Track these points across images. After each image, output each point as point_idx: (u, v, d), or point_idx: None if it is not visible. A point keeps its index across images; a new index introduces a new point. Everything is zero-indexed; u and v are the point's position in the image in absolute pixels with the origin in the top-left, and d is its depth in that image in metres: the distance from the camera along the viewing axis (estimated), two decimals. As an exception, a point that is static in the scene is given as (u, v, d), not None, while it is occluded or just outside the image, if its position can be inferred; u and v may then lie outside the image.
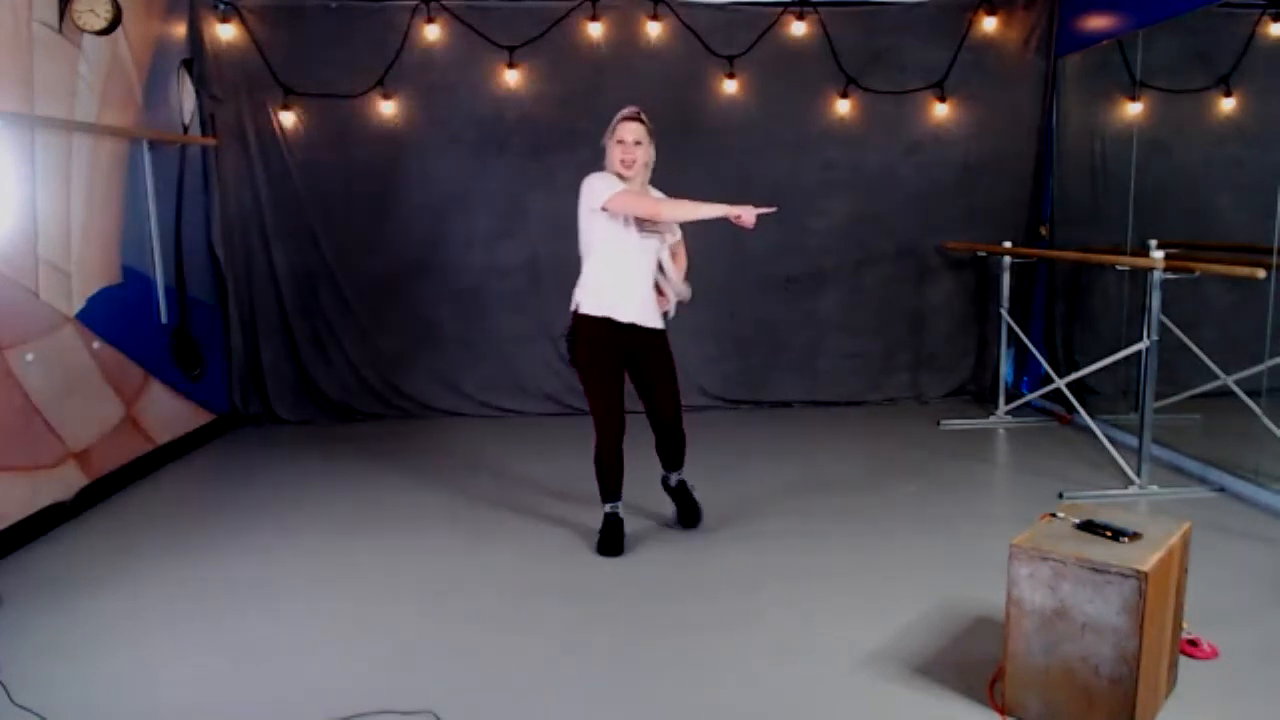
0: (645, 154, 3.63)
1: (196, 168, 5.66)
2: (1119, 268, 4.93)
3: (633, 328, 3.65)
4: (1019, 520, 3.32)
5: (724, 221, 3.44)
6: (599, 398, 3.67)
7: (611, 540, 3.74)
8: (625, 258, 3.62)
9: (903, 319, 6.32)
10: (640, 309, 3.65)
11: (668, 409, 3.80)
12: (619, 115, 3.63)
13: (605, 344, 3.64)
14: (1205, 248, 4.73)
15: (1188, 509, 4.05)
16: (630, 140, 3.58)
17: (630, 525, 3.87)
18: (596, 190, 3.54)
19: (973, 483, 4.73)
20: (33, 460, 3.98)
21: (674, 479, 4.00)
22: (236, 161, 5.79)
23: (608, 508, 3.80)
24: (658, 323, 3.73)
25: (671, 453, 3.91)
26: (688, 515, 4.02)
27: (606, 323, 3.61)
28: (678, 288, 3.81)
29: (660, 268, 3.76)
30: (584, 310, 3.63)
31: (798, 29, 5.93)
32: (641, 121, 3.62)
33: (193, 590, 3.45)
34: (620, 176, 3.58)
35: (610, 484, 3.77)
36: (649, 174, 3.71)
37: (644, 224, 3.61)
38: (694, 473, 4.03)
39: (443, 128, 5.90)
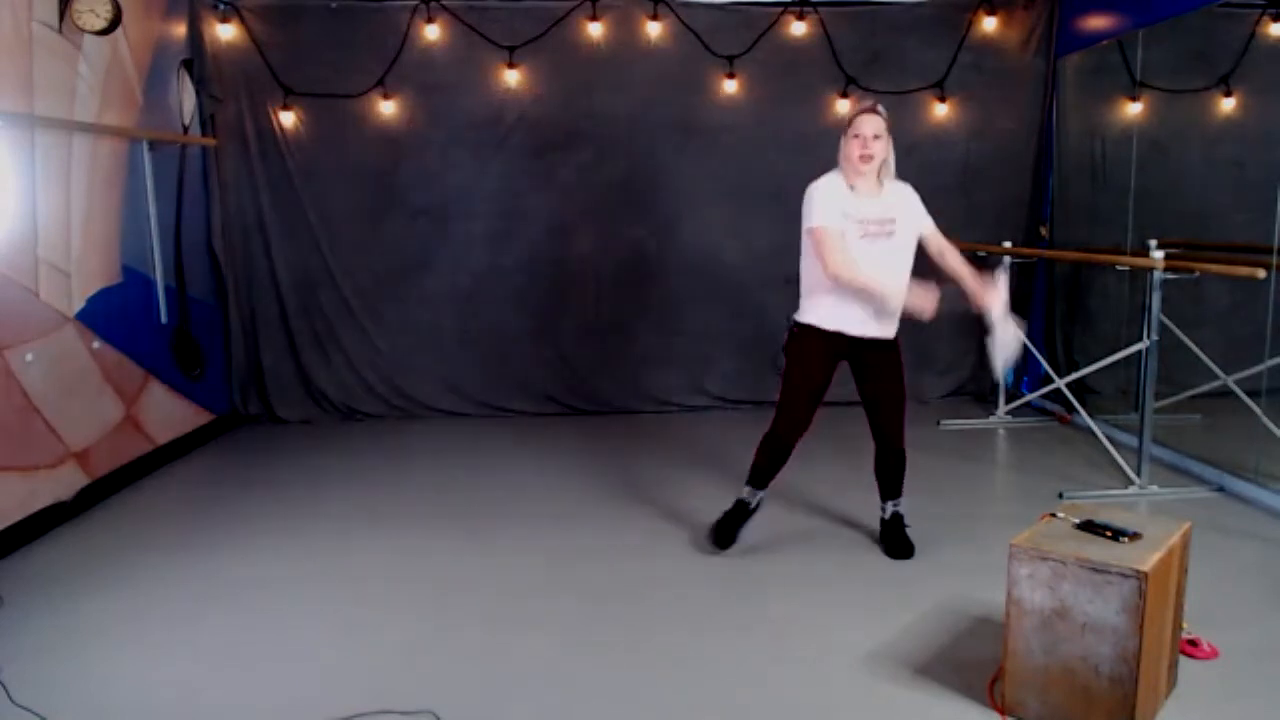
0: (883, 149, 3.41)
1: (196, 168, 5.65)
2: (1119, 268, 4.93)
3: (859, 339, 3.56)
4: (1019, 520, 3.32)
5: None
6: (796, 391, 3.61)
7: (728, 526, 3.72)
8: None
9: (902, 319, 6.29)
10: (865, 321, 3.54)
11: (888, 425, 3.71)
12: (858, 109, 3.45)
13: (820, 353, 3.57)
14: (1205, 248, 4.72)
15: (1188, 509, 4.05)
16: (869, 134, 3.37)
17: (629, 526, 3.87)
18: (809, 210, 3.50)
19: (973, 483, 4.73)
20: (33, 460, 3.98)
21: (888, 509, 3.80)
22: (236, 162, 5.79)
23: (746, 491, 3.76)
24: (886, 332, 3.60)
25: (884, 476, 3.79)
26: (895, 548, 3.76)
27: (835, 336, 3.53)
28: (909, 299, 3.52)
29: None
30: (807, 321, 3.58)
31: (798, 29, 5.92)
32: (879, 114, 3.41)
33: (193, 590, 3.45)
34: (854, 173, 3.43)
35: (766, 470, 3.71)
36: (890, 171, 3.49)
37: (868, 226, 3.45)
38: (693, 471, 4.02)
39: (443, 128, 5.90)
